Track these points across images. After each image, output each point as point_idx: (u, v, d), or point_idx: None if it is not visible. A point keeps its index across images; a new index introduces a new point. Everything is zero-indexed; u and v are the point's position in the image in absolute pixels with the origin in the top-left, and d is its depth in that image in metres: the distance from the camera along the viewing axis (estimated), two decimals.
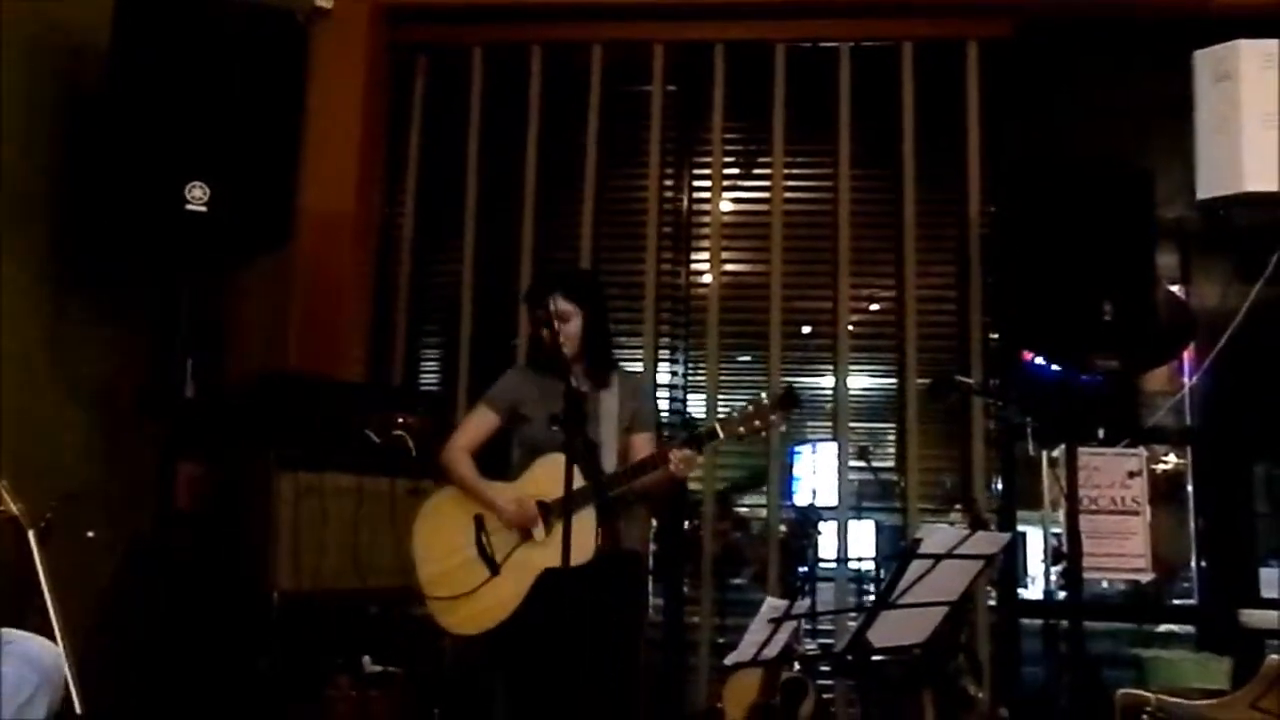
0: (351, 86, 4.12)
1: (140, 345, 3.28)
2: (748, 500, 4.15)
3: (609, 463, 2.81)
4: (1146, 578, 3.65)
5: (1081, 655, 3.17)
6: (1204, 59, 3.49)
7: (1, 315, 2.75)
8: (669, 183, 4.27)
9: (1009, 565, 3.77)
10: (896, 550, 3.83)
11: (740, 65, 4.19)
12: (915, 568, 2.25)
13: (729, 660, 2.48)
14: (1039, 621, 3.68)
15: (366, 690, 3.16)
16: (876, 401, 4.18)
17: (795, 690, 3.20)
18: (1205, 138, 3.49)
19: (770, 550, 3.92)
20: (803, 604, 2.43)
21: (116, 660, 2.81)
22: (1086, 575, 3.41)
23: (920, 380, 3.91)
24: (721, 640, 3.85)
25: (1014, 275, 3.45)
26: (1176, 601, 3.84)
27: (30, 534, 2.33)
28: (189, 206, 2.85)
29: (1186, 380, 3.80)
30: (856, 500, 4.00)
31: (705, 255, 4.20)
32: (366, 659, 3.22)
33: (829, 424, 4.02)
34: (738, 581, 4.12)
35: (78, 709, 2.17)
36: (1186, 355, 3.79)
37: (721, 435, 2.72)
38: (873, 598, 3.12)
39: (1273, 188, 3.34)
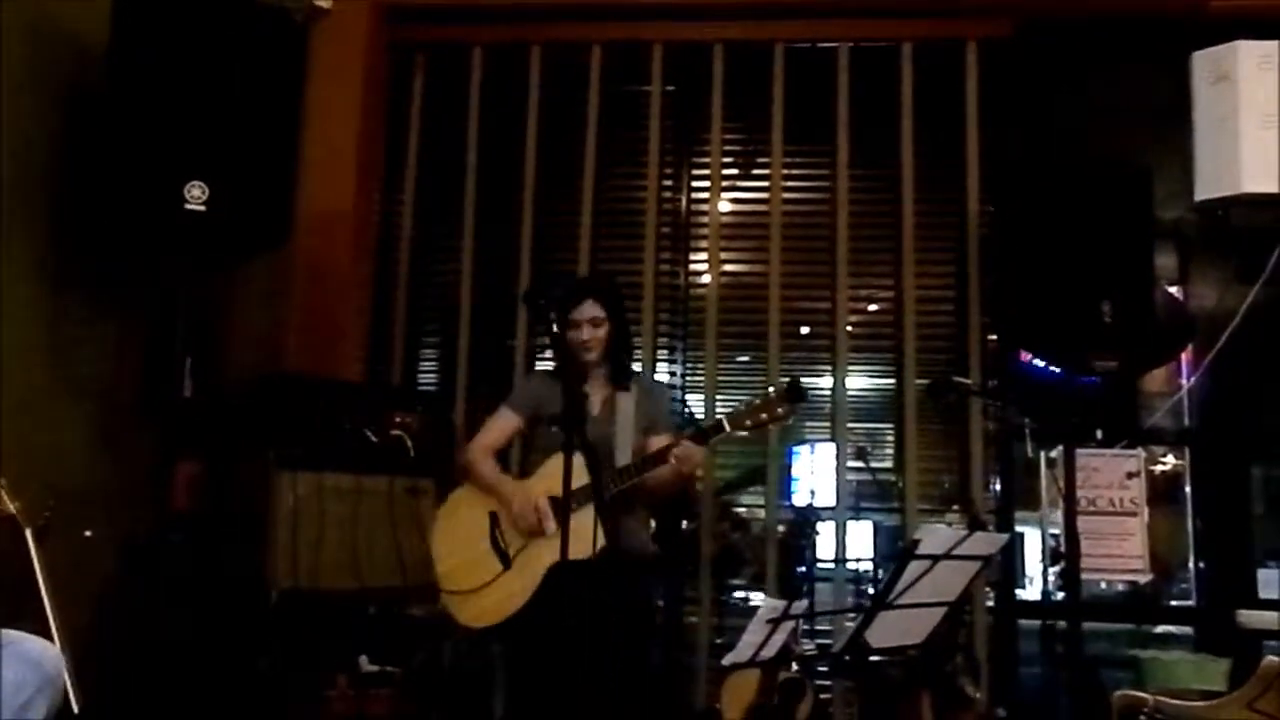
0: (350, 86, 4.12)
1: (139, 344, 3.28)
2: (746, 500, 4.15)
3: (624, 461, 2.86)
4: (1144, 578, 3.65)
5: (1079, 656, 3.17)
6: (1202, 60, 3.49)
7: (1, 314, 2.75)
8: (668, 182, 4.27)
9: (1007, 566, 3.77)
10: (894, 551, 3.84)
11: (739, 65, 4.20)
12: (913, 568, 2.25)
13: (727, 660, 2.48)
14: (1037, 622, 3.68)
15: (365, 690, 3.16)
16: (875, 402, 4.18)
17: (793, 691, 3.19)
18: (1203, 139, 3.48)
19: (769, 550, 3.92)
20: (800, 604, 2.43)
21: (114, 660, 2.81)
22: (1084, 576, 3.42)
23: (919, 381, 3.91)
24: (719, 641, 3.85)
25: (1012, 276, 3.45)
26: (1174, 602, 3.84)
27: (28, 533, 2.33)
28: (188, 206, 2.85)
29: (1185, 381, 3.80)
30: (855, 501, 4.00)
31: (704, 255, 4.20)
32: (364, 658, 3.22)
33: (827, 424, 4.02)
34: (736, 582, 4.11)
35: (75, 708, 2.17)
36: (1185, 356, 3.80)
37: (728, 429, 2.76)
38: (871, 598, 3.12)
39: (1271, 189, 3.34)
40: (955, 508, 3.93)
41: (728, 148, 4.22)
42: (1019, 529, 3.87)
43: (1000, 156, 3.95)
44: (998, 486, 3.87)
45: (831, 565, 3.93)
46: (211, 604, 3.11)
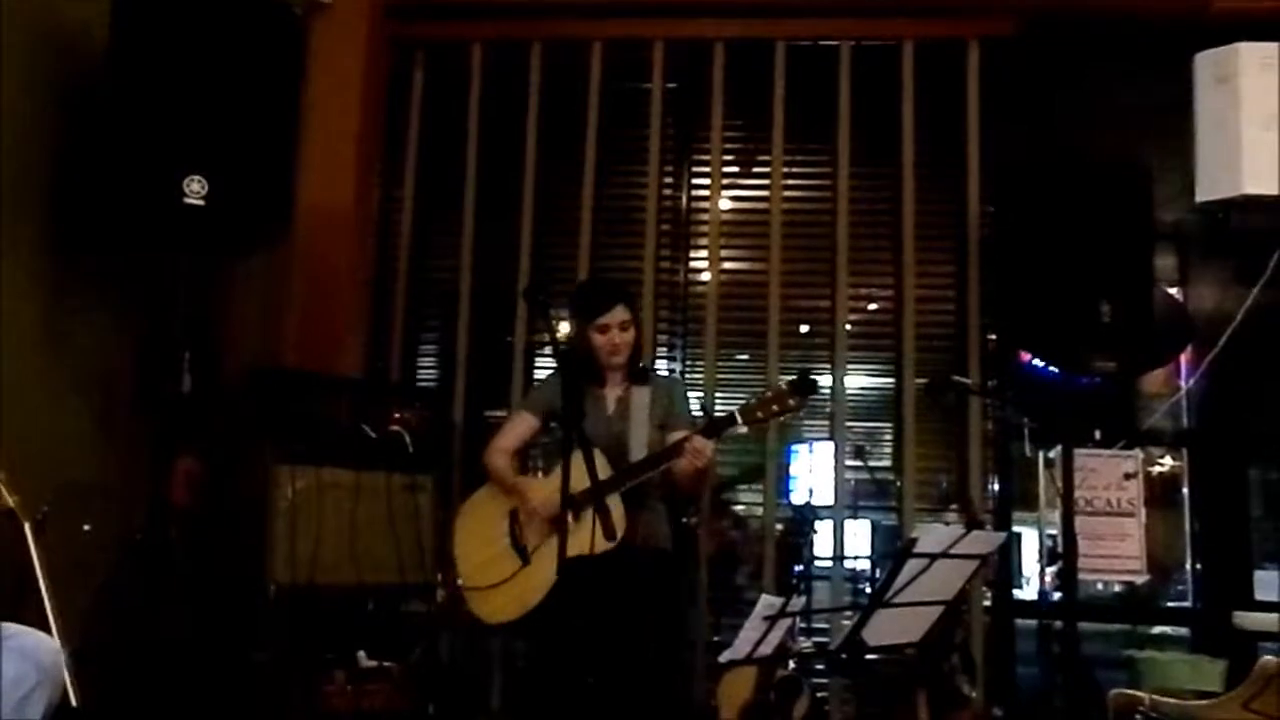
0: (350, 81, 4.10)
1: (137, 339, 3.28)
2: (744, 498, 4.15)
3: (639, 456, 2.91)
4: (1141, 579, 3.66)
5: (1075, 656, 3.18)
6: (1204, 61, 3.49)
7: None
8: (668, 180, 4.27)
9: (1004, 566, 3.78)
10: (892, 549, 3.84)
11: (740, 63, 4.19)
12: (911, 566, 2.25)
13: (723, 658, 2.48)
14: (1034, 622, 3.68)
15: (362, 684, 3.16)
16: (874, 401, 4.18)
17: (789, 689, 3.20)
18: (1205, 140, 3.48)
19: (766, 549, 3.92)
20: (798, 602, 2.43)
21: (113, 653, 2.80)
22: (1081, 576, 3.42)
23: (918, 380, 3.91)
24: (717, 638, 3.85)
25: (1012, 276, 3.45)
26: (1171, 604, 3.85)
27: (26, 527, 2.33)
28: (187, 200, 2.85)
29: (1183, 383, 3.81)
30: (853, 499, 4.00)
31: (704, 253, 4.20)
32: (362, 653, 3.22)
33: (826, 423, 4.02)
34: (733, 579, 4.12)
35: (74, 702, 2.17)
36: (1184, 358, 3.80)
37: (740, 422, 2.79)
38: (868, 596, 3.13)
39: (1272, 191, 3.34)
40: (953, 507, 3.93)
41: (728, 145, 4.22)
42: (1017, 529, 3.88)
43: (1001, 156, 3.95)
44: (996, 486, 3.87)
45: (829, 564, 3.94)
46: (210, 598, 3.11)
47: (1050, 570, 3.71)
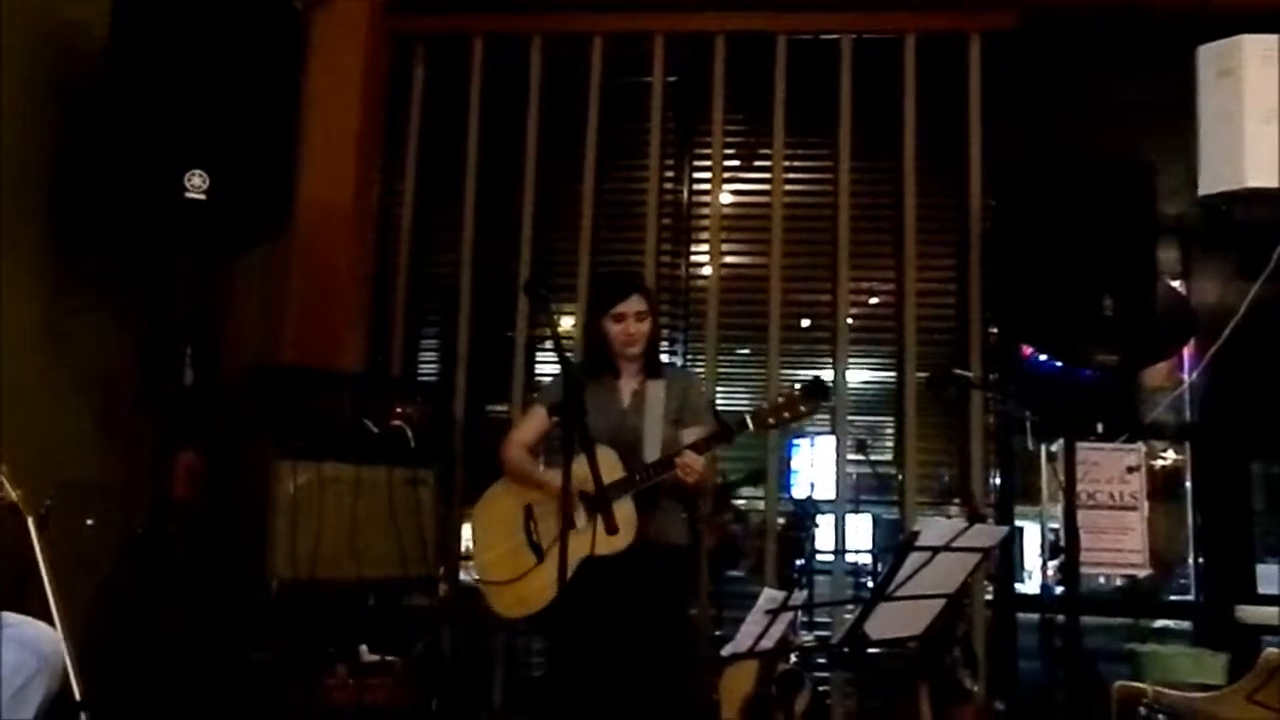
0: (350, 75, 4.10)
1: (138, 334, 3.27)
2: (745, 493, 4.15)
3: (653, 452, 2.93)
4: (1144, 573, 3.66)
5: (1077, 650, 3.17)
6: (1207, 54, 3.47)
7: (0, 303, 2.74)
8: (669, 174, 4.26)
9: (1006, 559, 3.77)
10: (894, 543, 3.84)
11: (741, 57, 4.18)
12: (913, 560, 2.25)
13: (725, 651, 2.48)
14: (1036, 616, 3.68)
15: (364, 679, 3.16)
16: (875, 395, 4.18)
17: (791, 682, 3.20)
18: (1207, 133, 3.47)
19: (768, 542, 3.92)
20: (800, 596, 2.43)
21: (114, 648, 2.81)
22: (1083, 570, 3.42)
23: (919, 374, 3.90)
24: (718, 632, 3.85)
25: (1014, 269, 3.44)
26: (1173, 597, 3.84)
27: (29, 521, 2.33)
28: (188, 195, 2.85)
29: (1186, 376, 3.80)
30: (854, 494, 4.00)
31: (705, 247, 4.19)
32: (364, 648, 3.23)
33: (827, 417, 4.01)
34: (735, 573, 4.12)
35: (76, 695, 2.17)
36: (1186, 351, 3.79)
37: (752, 426, 2.80)
38: (870, 590, 3.12)
39: (1274, 184, 3.33)
40: (955, 501, 3.93)
41: (729, 139, 4.21)
42: (1018, 523, 3.87)
43: (1003, 150, 3.94)
44: (998, 480, 3.87)
45: (830, 558, 3.94)
46: (211, 593, 3.12)
47: (1052, 564, 3.70)
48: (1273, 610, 3.38)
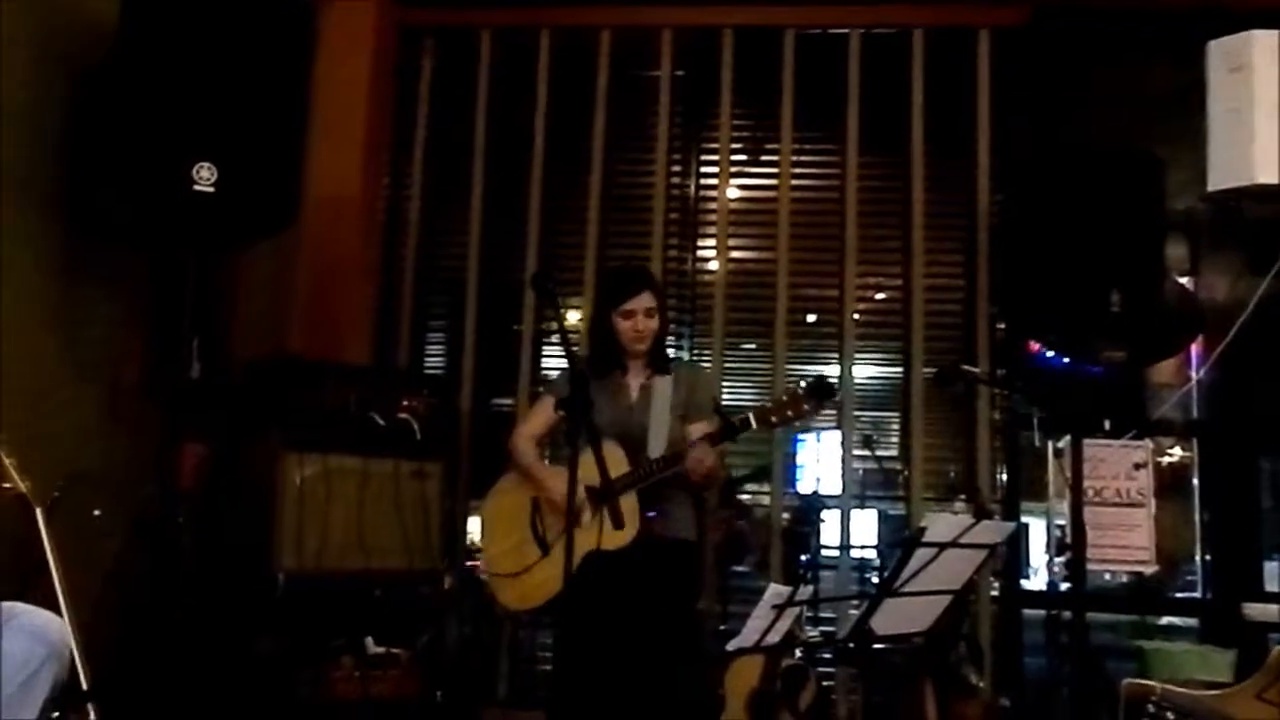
0: (359, 68, 4.11)
1: (145, 325, 3.28)
2: (751, 488, 4.15)
3: (659, 447, 2.93)
4: (1150, 570, 3.65)
5: (1084, 646, 3.17)
6: (1217, 49, 3.46)
7: (7, 294, 2.75)
8: (676, 169, 4.26)
9: (1012, 556, 3.77)
10: (900, 539, 3.83)
11: (749, 51, 4.17)
12: (919, 556, 2.25)
13: (731, 646, 2.48)
14: (1041, 612, 3.68)
15: (370, 670, 3.17)
16: (882, 390, 4.17)
17: (796, 678, 3.20)
18: (1217, 129, 3.45)
19: (773, 538, 3.92)
20: (805, 591, 2.43)
21: (121, 638, 2.82)
22: (1090, 566, 3.41)
23: (926, 370, 3.90)
24: (724, 627, 3.85)
25: (1022, 265, 3.44)
26: (1180, 594, 3.84)
27: (38, 511, 2.34)
28: (196, 187, 2.84)
29: (1194, 373, 3.79)
30: (860, 489, 4.00)
31: (712, 242, 4.19)
32: (370, 640, 3.23)
33: (833, 412, 4.00)
34: (741, 569, 4.12)
35: (84, 685, 2.18)
36: (1194, 348, 3.78)
37: (755, 425, 2.79)
38: (876, 585, 3.12)
39: None
40: (962, 497, 3.92)
41: (737, 134, 4.20)
42: (1025, 519, 3.87)
43: (1011, 145, 3.93)
44: (1004, 476, 3.86)
45: (836, 553, 3.93)
46: (217, 584, 3.12)
47: (1058, 560, 3.70)
48: (1278, 608, 3.37)
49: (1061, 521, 3.58)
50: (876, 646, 2.69)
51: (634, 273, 3.21)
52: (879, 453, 3.93)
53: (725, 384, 4.06)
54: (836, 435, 3.98)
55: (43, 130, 2.93)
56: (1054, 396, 3.58)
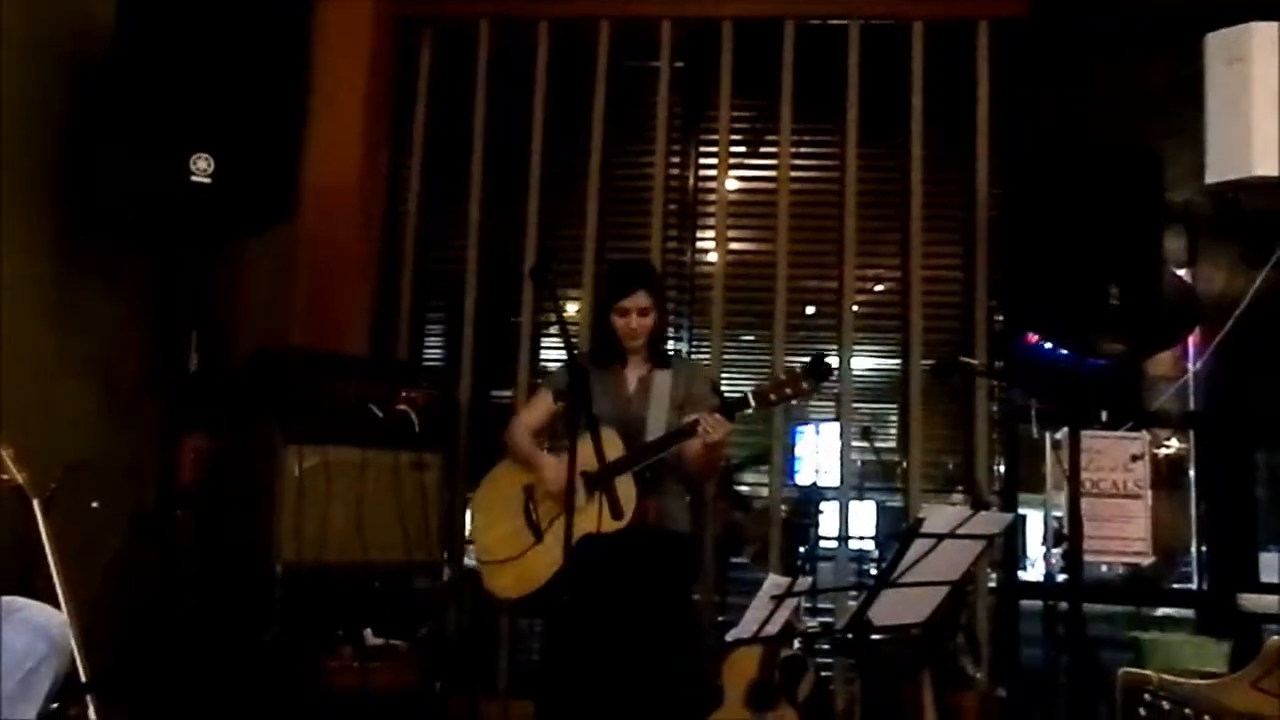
0: (357, 59, 4.10)
1: (144, 318, 3.28)
2: (750, 479, 4.16)
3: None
4: (1147, 561, 3.66)
5: (1080, 637, 3.18)
6: (1216, 41, 3.45)
7: (5, 287, 2.75)
8: (675, 160, 4.25)
9: (1010, 547, 3.78)
10: (898, 530, 3.84)
11: (748, 42, 4.17)
12: (917, 547, 2.25)
13: (730, 636, 2.49)
14: (1039, 603, 3.69)
15: (369, 662, 3.17)
16: (880, 382, 4.18)
17: (794, 668, 3.21)
18: (1215, 121, 3.45)
19: (772, 529, 3.93)
20: (804, 582, 2.44)
21: (121, 631, 2.82)
22: (1087, 558, 3.42)
23: (924, 361, 3.91)
24: (722, 618, 3.87)
25: (1020, 257, 3.44)
26: (1176, 585, 3.85)
27: (35, 503, 2.34)
28: (193, 179, 2.84)
29: (1191, 365, 3.79)
30: (859, 481, 4.01)
31: (711, 234, 4.19)
32: (369, 631, 3.24)
33: (832, 404, 4.02)
34: (739, 560, 4.13)
35: (83, 677, 2.19)
36: (1191, 340, 3.79)
37: (753, 404, 2.80)
38: (874, 576, 3.13)
39: None
40: (959, 489, 3.93)
41: (736, 125, 4.20)
42: (1022, 511, 3.87)
43: (1010, 137, 3.92)
44: (1002, 468, 3.87)
45: (834, 544, 3.94)
46: (217, 576, 3.13)
47: (1055, 552, 3.71)
48: (1275, 599, 3.39)
49: (1059, 513, 3.58)
50: (874, 637, 2.69)
51: (631, 270, 3.20)
52: (877, 444, 3.94)
53: (724, 375, 4.06)
54: (835, 427, 3.99)
55: (40, 124, 2.92)
56: (1052, 388, 3.58)
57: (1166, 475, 3.86)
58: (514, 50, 4.27)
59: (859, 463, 3.98)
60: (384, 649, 3.25)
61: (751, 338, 4.21)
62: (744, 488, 4.19)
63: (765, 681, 3.17)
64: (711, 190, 4.21)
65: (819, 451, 4.17)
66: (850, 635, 2.45)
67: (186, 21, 2.87)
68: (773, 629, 2.40)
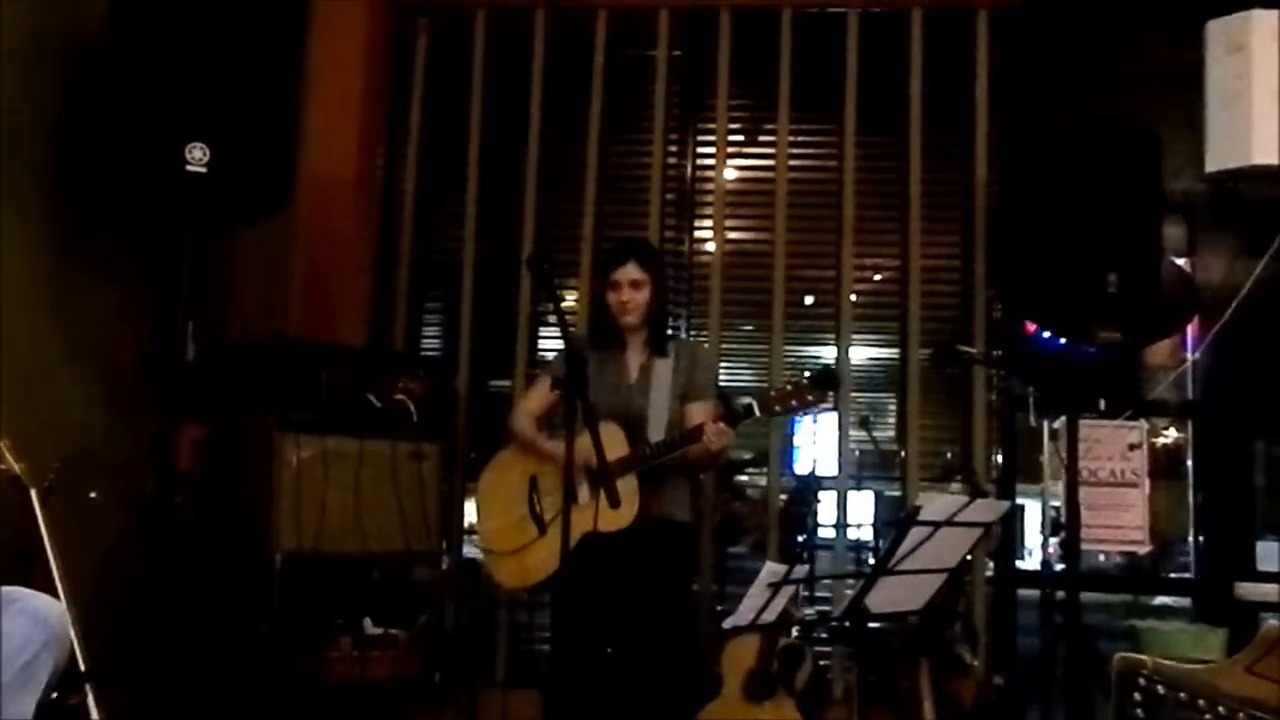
0: (353, 48, 4.08)
1: (140, 307, 3.27)
2: (748, 469, 4.16)
3: (658, 429, 2.92)
4: (1144, 550, 3.66)
5: (1077, 625, 3.19)
6: (1216, 29, 3.44)
7: (2, 277, 2.74)
8: (673, 149, 4.24)
9: (1007, 536, 3.78)
10: (896, 519, 3.85)
11: (747, 31, 4.15)
12: (915, 534, 2.26)
13: (727, 624, 2.49)
14: (1036, 592, 3.69)
15: (368, 651, 3.18)
16: (878, 372, 4.18)
17: (792, 656, 3.22)
18: (1215, 110, 3.45)
19: (770, 519, 3.93)
20: (801, 569, 2.44)
21: (119, 620, 2.82)
22: (1084, 547, 3.42)
23: (922, 351, 3.90)
24: (720, 608, 3.87)
25: (1019, 246, 3.43)
26: (1173, 574, 3.85)
27: (33, 493, 2.34)
28: (189, 167, 2.83)
29: (1189, 354, 3.78)
30: (857, 470, 4.01)
31: (709, 223, 4.18)
32: (368, 621, 3.24)
33: (830, 393, 4.00)
34: (738, 550, 4.14)
35: (82, 667, 2.19)
36: (1190, 329, 3.78)
37: (758, 413, 2.77)
38: (872, 565, 3.13)
39: None
40: (958, 478, 3.93)
41: (734, 114, 4.19)
42: (1020, 500, 3.88)
43: (1009, 126, 3.91)
44: (1000, 457, 3.87)
45: (832, 534, 3.95)
46: (215, 566, 3.13)
47: (1053, 541, 3.71)
48: (1271, 587, 3.39)
49: (1056, 502, 3.58)
50: (872, 625, 2.70)
51: (623, 244, 3.17)
52: (875, 434, 3.94)
53: (723, 365, 4.06)
54: (833, 416, 3.98)
55: (35, 112, 2.91)
56: (1050, 377, 3.58)
57: (1164, 464, 3.86)
58: (511, 38, 4.25)
59: (857, 452, 3.98)
60: (383, 639, 3.25)
61: (750, 327, 4.21)
62: (743, 477, 4.19)
63: (763, 670, 3.17)
64: (709, 180, 4.20)
65: (817, 441, 4.17)
66: (848, 623, 2.45)
67: (181, 10, 2.85)
68: (770, 616, 2.40)
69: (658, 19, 4.17)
